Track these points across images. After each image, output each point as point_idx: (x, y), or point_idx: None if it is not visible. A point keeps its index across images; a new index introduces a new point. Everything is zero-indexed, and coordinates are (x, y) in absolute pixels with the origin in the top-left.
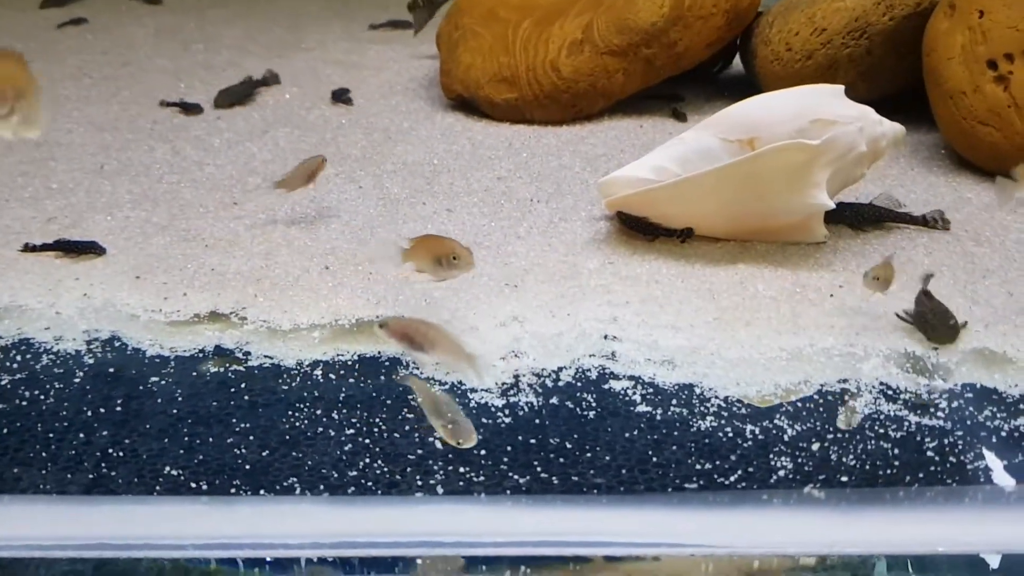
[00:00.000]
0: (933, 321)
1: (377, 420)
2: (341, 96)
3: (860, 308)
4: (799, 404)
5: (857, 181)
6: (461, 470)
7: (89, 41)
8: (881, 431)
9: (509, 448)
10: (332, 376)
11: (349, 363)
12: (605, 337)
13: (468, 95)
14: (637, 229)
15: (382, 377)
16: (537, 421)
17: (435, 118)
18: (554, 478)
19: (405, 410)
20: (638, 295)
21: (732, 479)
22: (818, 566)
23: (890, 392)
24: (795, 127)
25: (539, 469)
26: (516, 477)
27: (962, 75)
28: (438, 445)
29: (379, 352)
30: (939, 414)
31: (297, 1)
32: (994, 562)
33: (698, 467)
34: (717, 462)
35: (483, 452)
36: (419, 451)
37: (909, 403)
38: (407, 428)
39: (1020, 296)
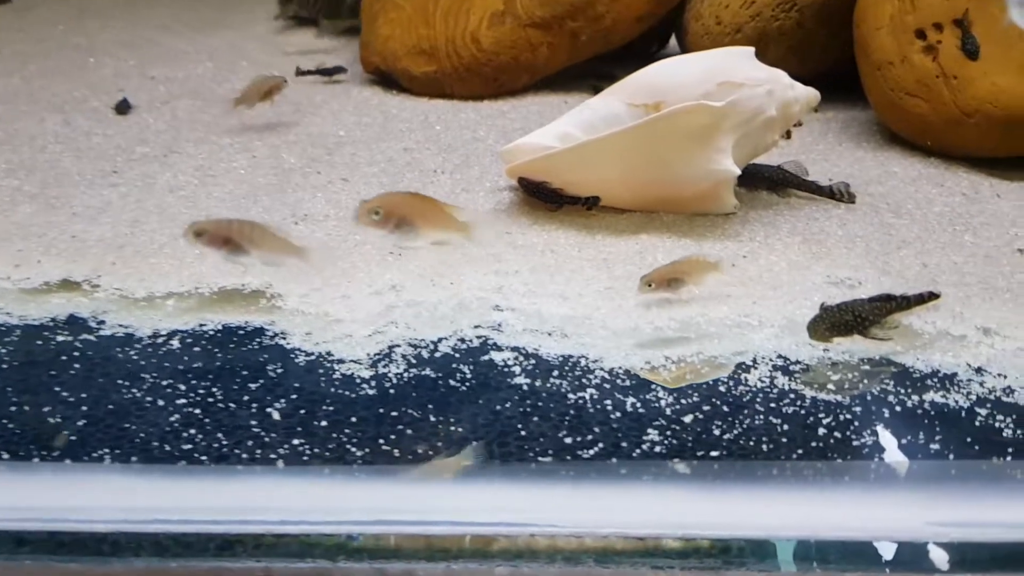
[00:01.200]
0: (823, 315)
1: (220, 390)
2: (123, 107)
3: (760, 278)
4: (686, 376)
5: (769, 149)
6: (296, 443)
7: (9, 20)
8: (771, 405)
9: (357, 420)
10: (188, 346)
11: (211, 333)
12: (490, 307)
13: (386, 68)
14: (540, 197)
15: (242, 347)
16: (399, 393)
17: (352, 92)
18: (397, 450)
19: (259, 380)
20: (529, 264)
21: (594, 452)
22: (714, 547)
23: (781, 364)
24: (702, 90)
25: (383, 442)
26: (355, 451)
27: (890, 46)
28: (276, 417)
29: (245, 322)
30: (832, 387)
31: None
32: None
33: (566, 440)
34: (588, 435)
35: (326, 424)
36: (256, 422)
37: (801, 377)
38: (248, 398)
39: (934, 267)
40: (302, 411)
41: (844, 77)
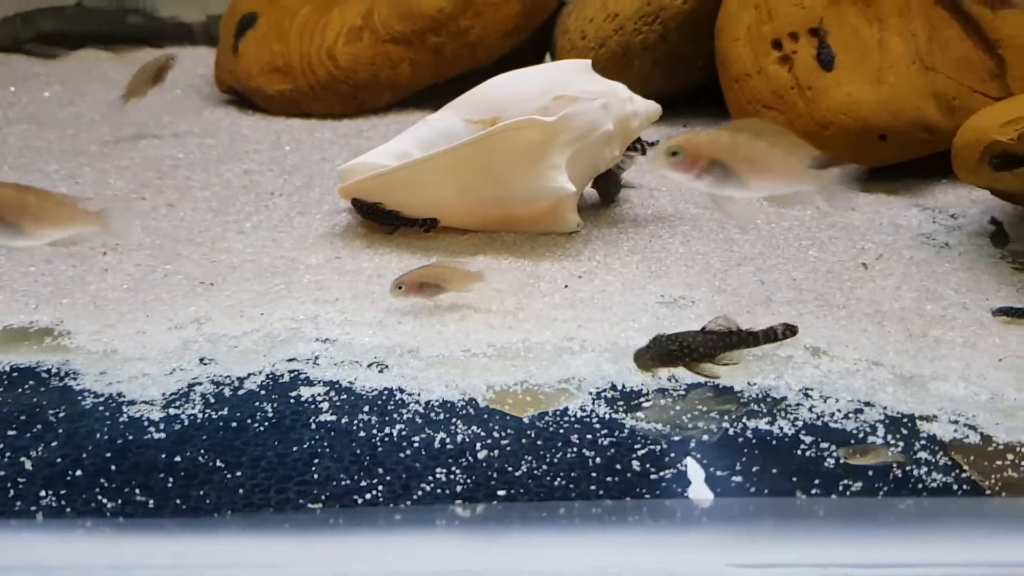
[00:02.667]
0: (651, 345)
1: None
2: None
3: (592, 299)
4: (505, 405)
5: (610, 164)
6: (43, 494)
7: None
8: (585, 437)
9: (128, 468)
10: None
11: None
12: (302, 339)
13: (239, 87)
14: (374, 219)
15: (28, 389)
16: (185, 437)
17: (204, 113)
18: (152, 501)
19: (36, 427)
20: (353, 291)
21: (371, 495)
22: None
23: (597, 392)
24: (538, 105)
25: (139, 492)
26: (105, 501)
27: (747, 57)
28: (28, 466)
29: (37, 362)
30: (651, 417)
31: None
32: None
33: (345, 483)
34: (373, 477)
35: (80, 473)
36: (4, 472)
37: (618, 405)
38: (3, 446)
39: (771, 284)
40: (59, 460)
41: (712, 90)
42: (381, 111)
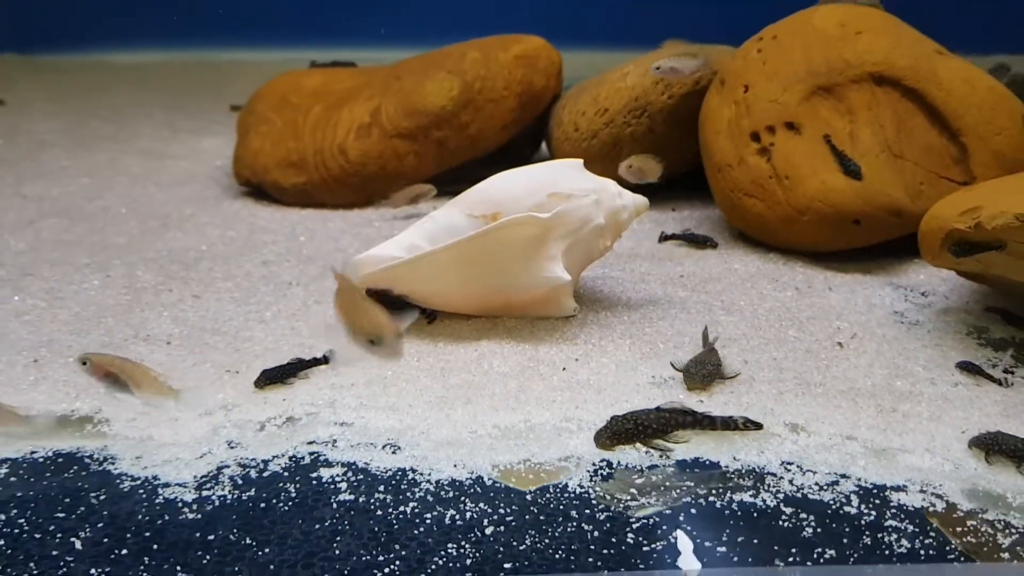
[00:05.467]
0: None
1: (29, 520)
2: None
3: (588, 381)
4: (511, 483)
5: (604, 254)
6: (93, 572)
7: None
8: (583, 512)
9: (166, 547)
10: (19, 474)
11: (41, 460)
12: (321, 423)
13: (256, 180)
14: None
15: (70, 473)
16: (216, 516)
17: (222, 204)
18: None
19: (79, 508)
20: (366, 376)
21: (388, 569)
22: None
23: (594, 470)
24: (534, 201)
25: (180, 569)
26: None
27: (728, 148)
28: (78, 546)
29: (78, 448)
30: (645, 492)
31: (129, 94)
32: None
33: (365, 558)
34: (390, 553)
35: (125, 552)
36: (57, 552)
37: (611, 482)
38: (55, 528)
39: (754, 364)
40: (105, 539)
41: (697, 176)
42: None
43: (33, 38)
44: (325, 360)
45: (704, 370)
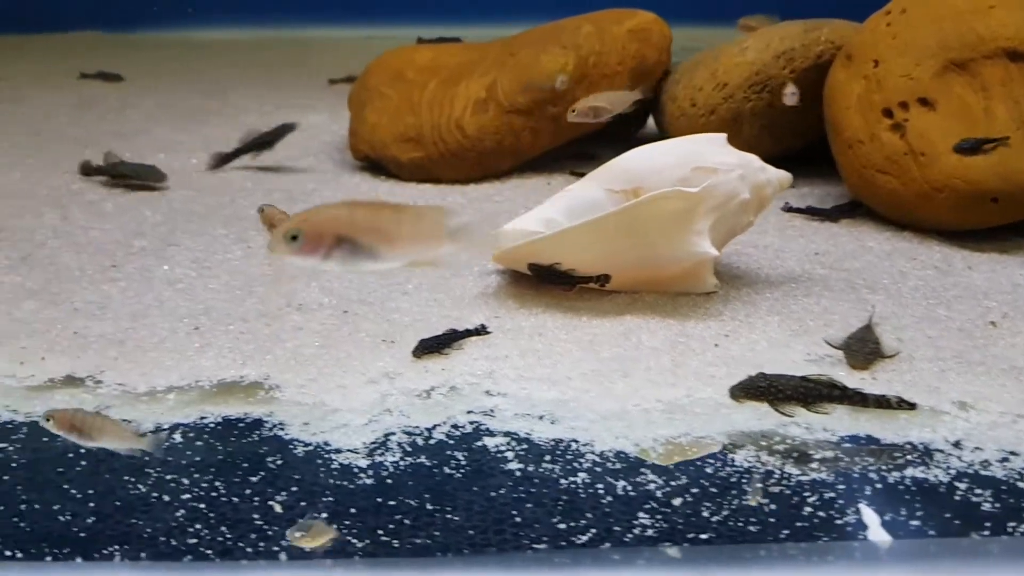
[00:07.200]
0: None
1: (223, 483)
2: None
3: (743, 357)
4: (675, 458)
5: (745, 230)
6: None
7: (8, 111)
8: (758, 486)
9: (356, 511)
10: (190, 440)
11: (211, 425)
12: (481, 392)
13: (375, 155)
14: (551, 280)
15: (242, 439)
16: (395, 482)
17: (341, 179)
18: (396, 541)
19: (260, 472)
20: (519, 348)
21: (587, 537)
22: None
23: (764, 443)
24: (677, 175)
25: (382, 533)
26: (356, 542)
27: (859, 124)
28: (278, 509)
29: (244, 414)
30: (816, 467)
31: (225, 70)
32: None
33: (560, 526)
34: (580, 520)
35: (327, 515)
36: (258, 515)
37: (785, 454)
38: (251, 491)
39: (910, 342)
40: (302, 503)
41: (817, 153)
42: (503, 175)
43: (116, 15)
44: (484, 330)
45: (867, 348)
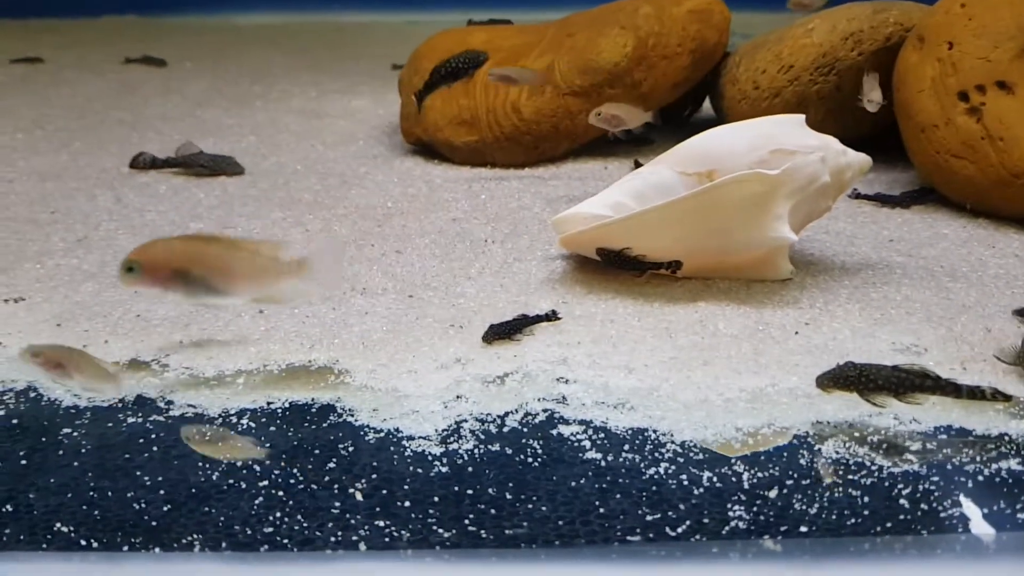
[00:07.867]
0: (834, 369)
1: (298, 471)
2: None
3: (826, 346)
4: (760, 448)
5: (823, 214)
6: (381, 524)
7: (51, 95)
8: (848, 477)
9: (438, 500)
10: (259, 425)
11: (279, 411)
12: (554, 379)
13: (427, 139)
14: (621, 265)
15: (312, 425)
16: (474, 470)
17: (393, 163)
18: (483, 532)
19: (332, 459)
20: (591, 335)
21: (681, 530)
22: None
23: (856, 434)
24: (754, 158)
25: (468, 523)
26: (442, 532)
27: (933, 108)
28: (359, 497)
29: (312, 399)
30: (910, 458)
31: (266, 55)
32: None
33: (647, 518)
34: (668, 512)
35: (409, 504)
36: (339, 504)
37: (877, 446)
38: (329, 479)
39: (998, 332)
40: (382, 491)
41: (884, 138)
42: (558, 159)
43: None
44: (555, 316)
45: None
